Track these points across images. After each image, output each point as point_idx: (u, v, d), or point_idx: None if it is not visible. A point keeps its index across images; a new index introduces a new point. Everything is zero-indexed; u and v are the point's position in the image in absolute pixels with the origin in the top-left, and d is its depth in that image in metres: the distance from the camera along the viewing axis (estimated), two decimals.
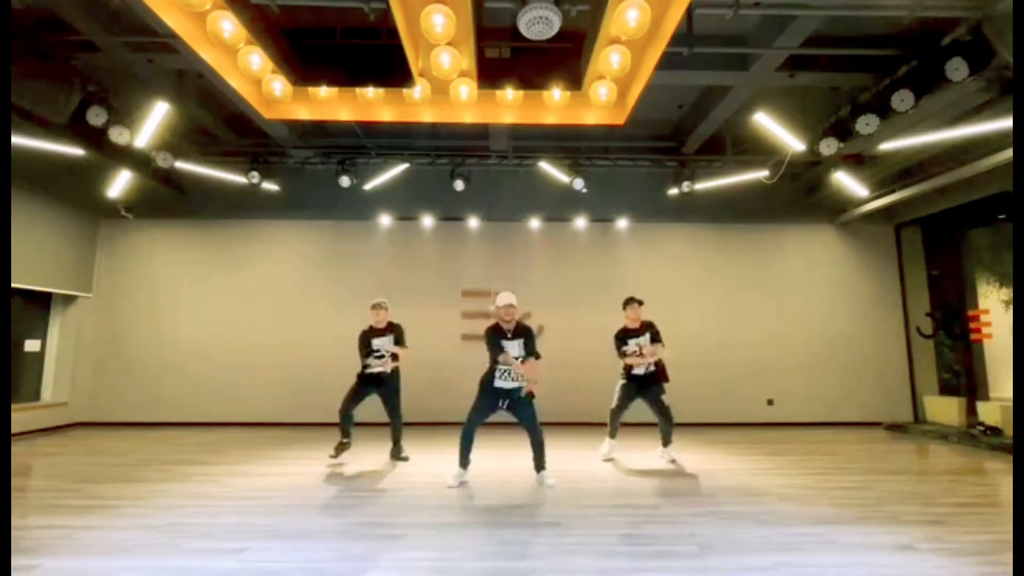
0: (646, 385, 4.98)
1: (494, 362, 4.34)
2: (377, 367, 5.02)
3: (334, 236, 8.19)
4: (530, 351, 4.36)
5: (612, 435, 5.26)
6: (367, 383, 5.12)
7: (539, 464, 4.43)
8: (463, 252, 8.20)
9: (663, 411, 4.99)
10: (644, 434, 5.96)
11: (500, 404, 4.40)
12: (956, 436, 6.54)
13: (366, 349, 5.08)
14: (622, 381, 5.10)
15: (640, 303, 5.05)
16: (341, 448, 5.12)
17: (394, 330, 5.16)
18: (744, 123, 6.34)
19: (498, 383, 4.33)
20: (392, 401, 5.22)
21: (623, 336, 5.03)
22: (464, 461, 4.44)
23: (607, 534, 3.22)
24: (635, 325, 5.01)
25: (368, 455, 5.34)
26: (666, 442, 5.15)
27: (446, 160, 7.45)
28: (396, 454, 5.29)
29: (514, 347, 4.33)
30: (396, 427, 5.30)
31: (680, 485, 4.42)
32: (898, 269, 8.28)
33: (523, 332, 4.38)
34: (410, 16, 3.75)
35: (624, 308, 5.09)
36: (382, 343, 5.06)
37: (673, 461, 5.11)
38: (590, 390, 7.69)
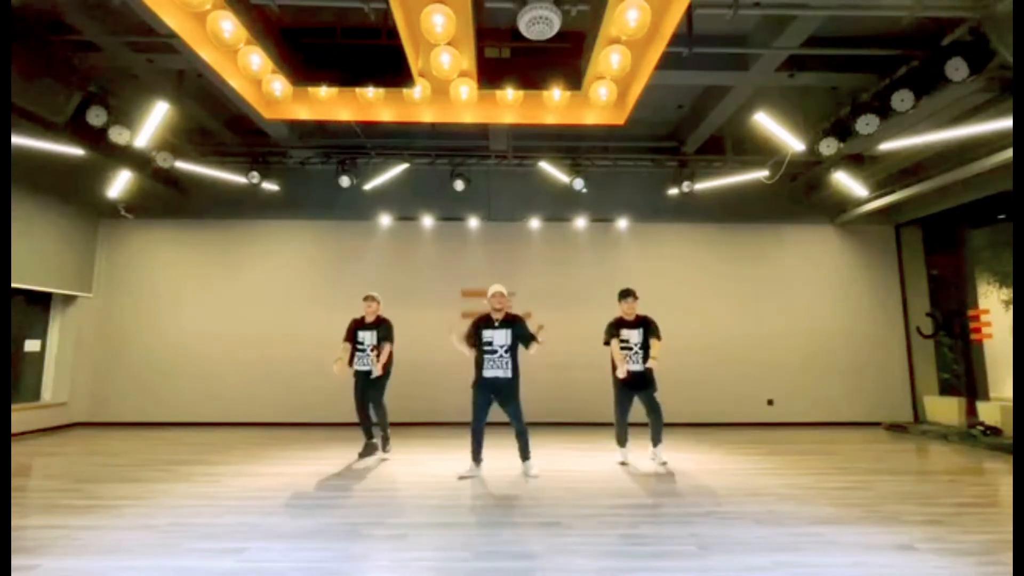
0: (641, 384, 4.89)
1: (477, 351, 4.53)
2: (361, 365, 5.09)
3: (334, 236, 8.18)
4: (523, 338, 4.51)
5: (621, 443, 5.12)
6: (359, 375, 5.14)
7: (524, 454, 4.66)
8: (463, 252, 8.19)
9: (655, 408, 4.91)
10: (643, 434, 5.94)
11: (491, 398, 4.50)
12: (956, 436, 6.54)
13: (352, 339, 5.16)
14: (616, 385, 4.98)
15: (635, 297, 4.99)
16: (368, 450, 5.17)
17: (379, 325, 5.17)
18: (744, 123, 6.33)
19: (487, 372, 4.47)
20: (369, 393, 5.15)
21: (617, 325, 4.98)
22: (476, 457, 4.62)
23: (607, 534, 3.22)
24: (630, 318, 4.96)
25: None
26: (656, 440, 4.98)
27: (446, 160, 7.44)
28: (381, 446, 5.28)
29: (500, 336, 4.49)
30: (378, 420, 5.25)
31: (680, 485, 4.41)
32: (898, 269, 8.28)
33: (510, 322, 4.56)
34: (410, 16, 3.75)
35: (620, 301, 5.02)
36: (366, 336, 5.12)
37: (664, 464, 4.87)
38: (590, 390, 7.69)
